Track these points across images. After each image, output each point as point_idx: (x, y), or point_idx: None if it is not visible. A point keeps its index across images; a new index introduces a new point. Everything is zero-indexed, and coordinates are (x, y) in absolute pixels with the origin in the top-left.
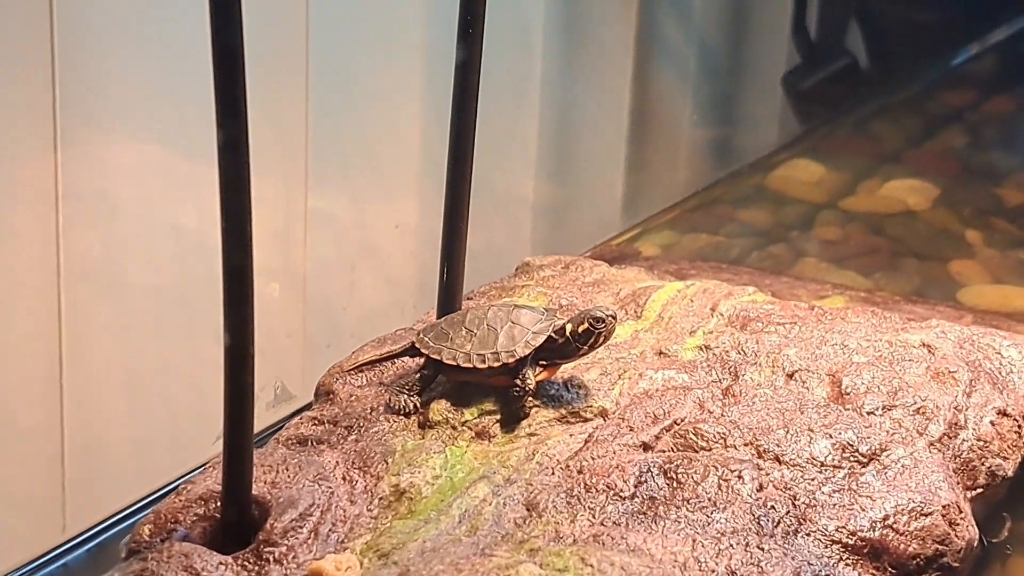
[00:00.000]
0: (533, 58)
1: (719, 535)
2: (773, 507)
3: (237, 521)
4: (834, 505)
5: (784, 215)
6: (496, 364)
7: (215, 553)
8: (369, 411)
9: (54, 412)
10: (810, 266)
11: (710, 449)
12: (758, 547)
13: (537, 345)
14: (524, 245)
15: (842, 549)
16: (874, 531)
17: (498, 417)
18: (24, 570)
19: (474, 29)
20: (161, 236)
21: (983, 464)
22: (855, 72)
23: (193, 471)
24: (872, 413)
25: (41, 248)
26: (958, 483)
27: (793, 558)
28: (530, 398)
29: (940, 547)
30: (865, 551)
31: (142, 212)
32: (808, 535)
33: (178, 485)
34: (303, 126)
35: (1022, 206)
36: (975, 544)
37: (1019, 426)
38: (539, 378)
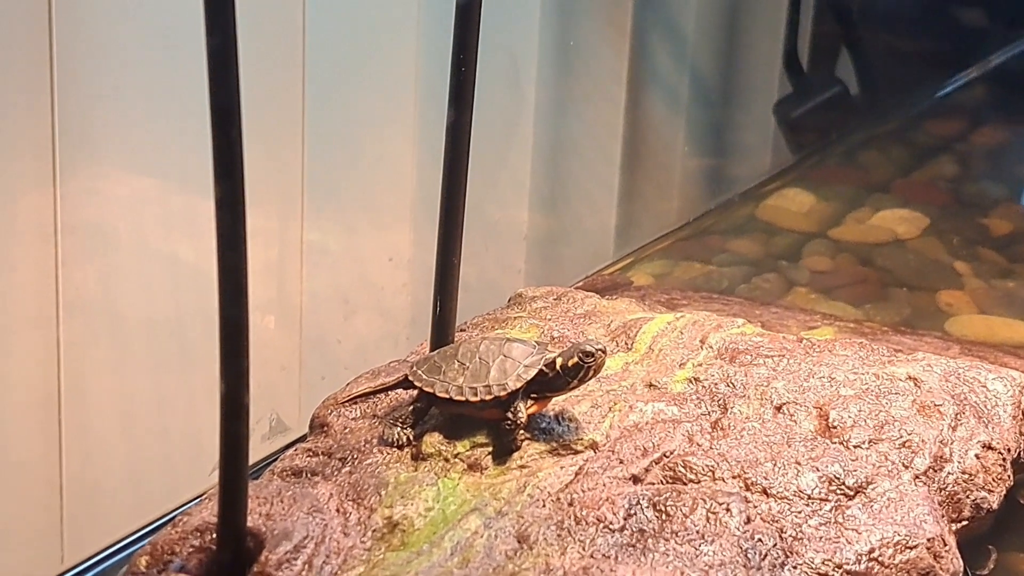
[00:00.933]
0: (526, 88)
1: (707, 567)
2: (760, 540)
3: (232, 554)
4: (820, 538)
5: (774, 245)
6: (488, 397)
7: None
8: (363, 443)
9: (52, 444)
10: (800, 296)
11: (699, 482)
12: None
13: (528, 379)
14: (517, 275)
15: None
16: (860, 564)
17: (490, 449)
18: None
19: (467, 62)
20: (158, 268)
21: (968, 497)
22: (846, 101)
23: (189, 502)
24: (859, 446)
25: (40, 281)
26: (943, 516)
27: None
28: (521, 431)
29: None
30: None
31: (140, 245)
32: (795, 568)
33: (174, 516)
34: (299, 159)
35: (1009, 236)
36: None
37: (1004, 459)
38: (530, 411)
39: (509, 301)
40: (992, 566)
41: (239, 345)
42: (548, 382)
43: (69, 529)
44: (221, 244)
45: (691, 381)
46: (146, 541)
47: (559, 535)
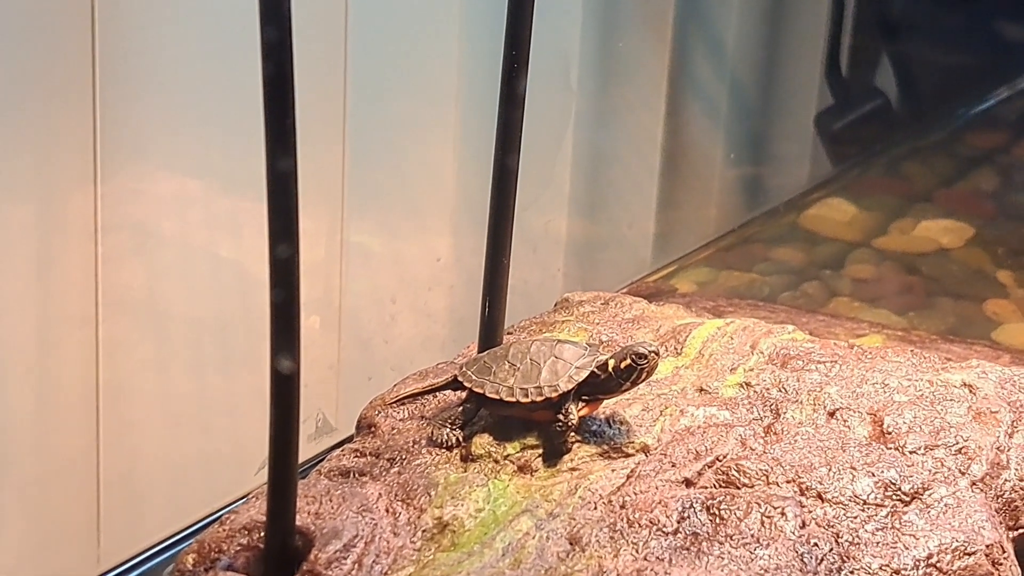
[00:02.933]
0: (567, 98)
1: (763, 571)
2: (816, 544)
3: (280, 551)
4: (877, 543)
5: (817, 254)
6: (539, 399)
7: None
8: (411, 444)
9: (91, 443)
10: (843, 304)
11: (752, 486)
12: None
13: (580, 380)
14: (556, 283)
15: None
16: (918, 570)
17: (540, 452)
18: None
19: (519, 58)
20: (199, 268)
21: None
22: (887, 114)
23: (229, 505)
24: (914, 452)
25: (81, 279)
26: (1001, 523)
27: None
28: (572, 433)
29: None
30: None
31: (181, 244)
32: (852, 572)
33: (215, 518)
34: (340, 162)
35: None
36: None
37: None
38: (581, 413)
39: (555, 305)
40: None
41: (290, 340)
42: (600, 384)
43: (106, 531)
44: (273, 241)
45: (742, 386)
46: (192, 540)
47: (612, 537)
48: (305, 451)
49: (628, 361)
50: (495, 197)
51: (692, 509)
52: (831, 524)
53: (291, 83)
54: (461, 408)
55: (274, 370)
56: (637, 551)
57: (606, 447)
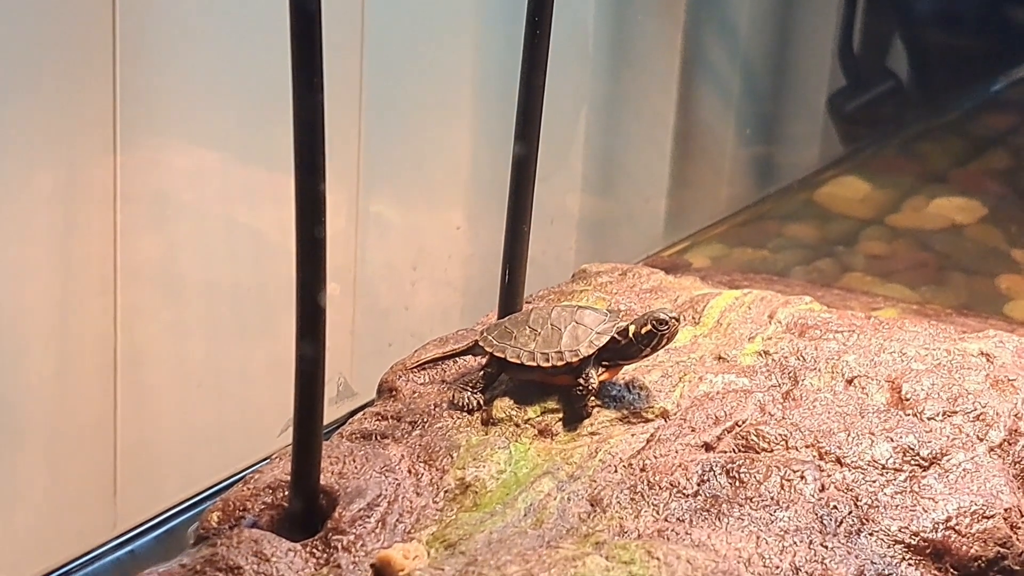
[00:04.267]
0: (581, 79)
1: (783, 533)
2: (836, 507)
3: (305, 509)
4: (896, 506)
5: (830, 230)
6: (560, 363)
7: (284, 540)
8: (432, 407)
9: (108, 410)
10: (857, 279)
11: (771, 450)
12: (822, 545)
13: (601, 345)
14: (570, 259)
15: (905, 549)
16: (936, 532)
17: (561, 416)
18: (75, 564)
19: (541, 24)
20: (216, 237)
21: None
22: (899, 95)
23: (244, 469)
24: (932, 419)
25: (100, 248)
26: (1019, 488)
27: (857, 556)
28: (592, 398)
29: (1002, 550)
30: (928, 552)
31: (199, 214)
32: (871, 535)
33: (231, 481)
34: (356, 133)
35: None
36: None
37: None
38: (601, 378)
39: (573, 276)
40: None
41: (316, 303)
42: (620, 350)
43: (122, 495)
44: (301, 209)
45: (761, 354)
46: (217, 498)
47: (632, 499)
48: (327, 415)
49: (648, 327)
50: (516, 163)
51: (712, 472)
52: (850, 488)
53: (319, 20)
54: (482, 372)
55: (301, 312)
56: (658, 512)
57: (626, 412)
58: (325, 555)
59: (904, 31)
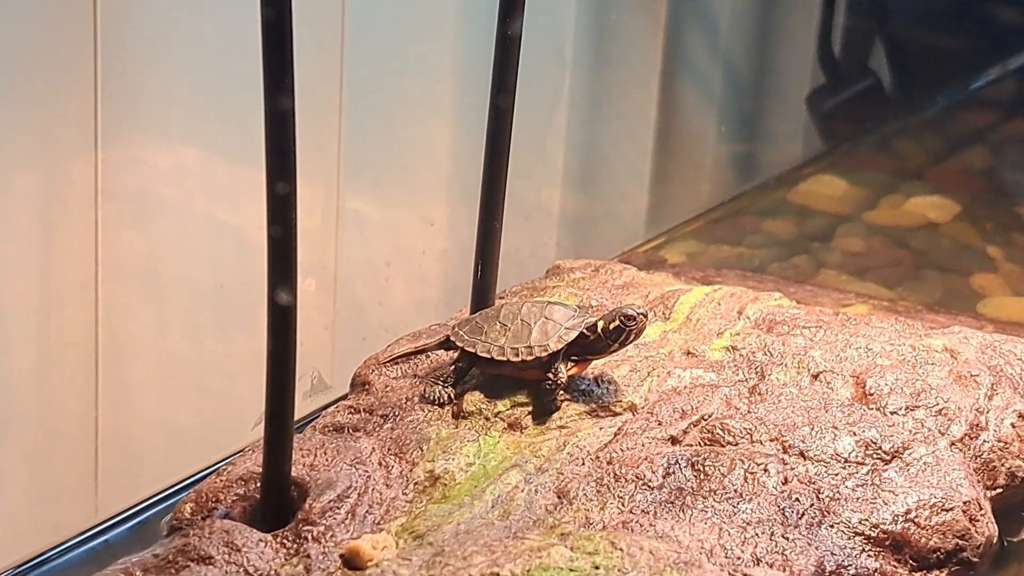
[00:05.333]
0: (561, 75)
1: (745, 524)
2: (798, 499)
3: (276, 501)
4: (857, 499)
5: (807, 227)
6: (529, 358)
7: (255, 531)
8: (404, 401)
9: (89, 402)
10: (832, 276)
11: (736, 444)
12: (783, 536)
13: (569, 340)
14: (549, 255)
15: (865, 541)
16: (896, 524)
17: (530, 409)
18: (58, 549)
19: (512, 23)
20: (197, 234)
21: (1003, 465)
22: (879, 93)
23: (224, 460)
24: (895, 413)
25: (81, 244)
26: (979, 482)
27: (817, 548)
28: (561, 392)
29: (960, 542)
30: (887, 543)
31: (179, 211)
32: (832, 527)
33: (210, 472)
34: (336, 133)
35: None
36: (994, 540)
37: None
38: (570, 373)
39: (547, 272)
40: None
41: (288, 274)
42: (589, 345)
43: (104, 484)
44: (271, 209)
45: (729, 349)
46: (190, 490)
47: (598, 491)
48: (300, 408)
49: (617, 323)
50: (488, 159)
51: (677, 465)
52: (812, 480)
53: (289, 22)
54: (453, 367)
55: (271, 308)
56: (623, 504)
57: (594, 405)
58: (295, 546)
59: (883, 30)
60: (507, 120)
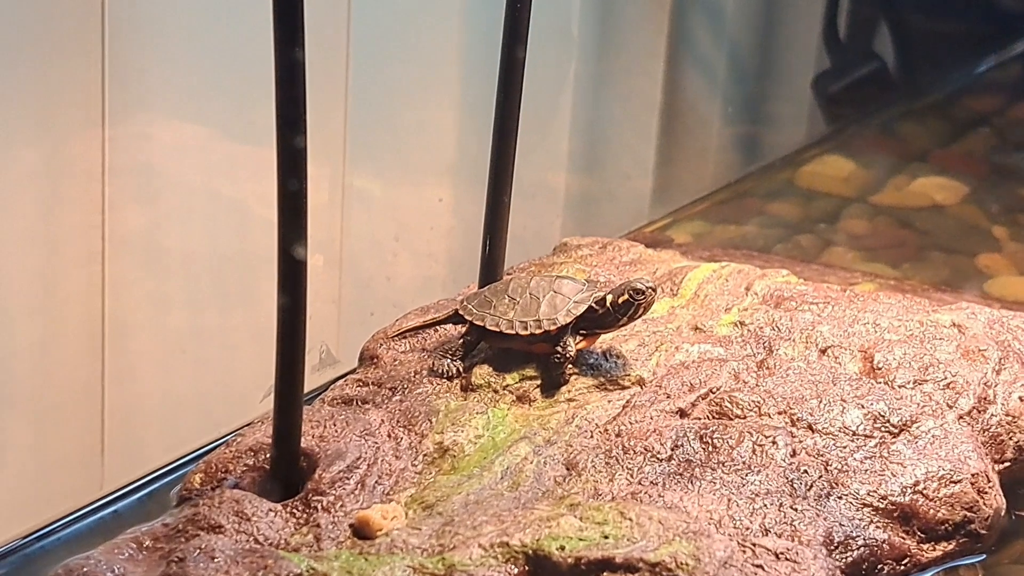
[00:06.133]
0: (567, 58)
1: (753, 496)
2: (806, 471)
3: (286, 471)
4: (866, 471)
5: (813, 208)
6: (538, 331)
7: (265, 500)
8: (413, 374)
9: (95, 376)
10: (837, 256)
11: (745, 417)
12: (791, 507)
13: (578, 314)
14: (554, 236)
15: (873, 512)
16: (904, 496)
17: (538, 382)
18: (64, 521)
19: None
20: (201, 209)
21: (1011, 439)
22: (884, 77)
23: (229, 434)
24: (903, 387)
25: (87, 219)
26: (986, 455)
27: (825, 519)
28: (570, 365)
29: (968, 514)
30: (895, 515)
31: (185, 187)
32: (840, 498)
33: (215, 444)
34: (342, 110)
35: None
36: (1002, 513)
37: None
38: (579, 347)
39: (554, 249)
40: None
41: (297, 272)
42: (597, 319)
43: (109, 456)
44: (282, 182)
45: (737, 325)
46: (200, 460)
47: (607, 463)
48: (309, 382)
49: (626, 296)
50: (496, 136)
51: (686, 438)
52: (821, 453)
53: None
54: (462, 340)
55: (281, 294)
56: (632, 476)
57: (603, 379)
58: (305, 515)
59: (889, 13)
60: (515, 98)
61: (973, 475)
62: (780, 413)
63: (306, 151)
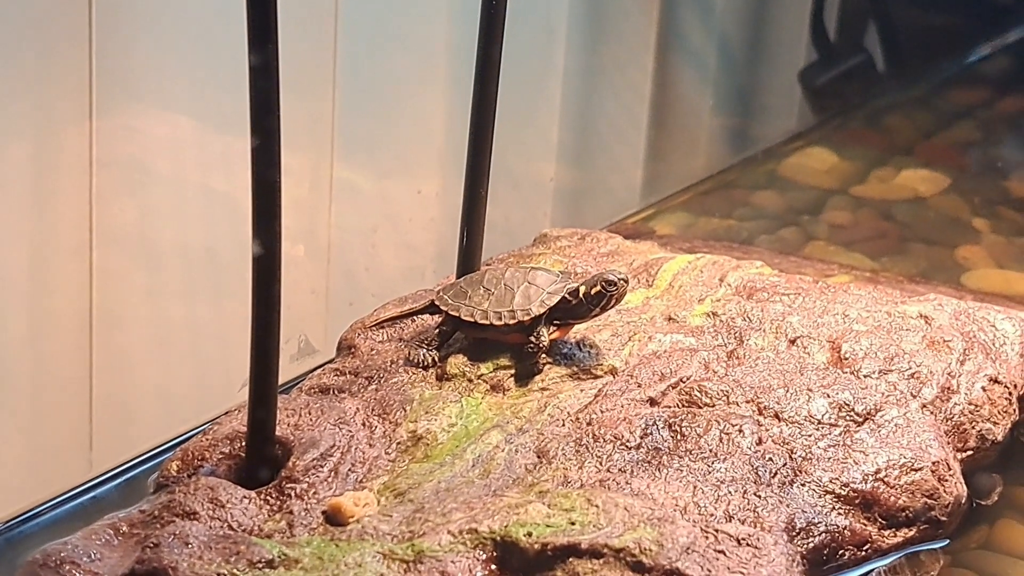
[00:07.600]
0: (556, 49)
1: (719, 483)
2: (771, 459)
3: (261, 459)
4: (829, 459)
5: (795, 200)
6: (512, 321)
7: (239, 487)
8: (389, 364)
9: (84, 364)
10: (819, 248)
11: (713, 405)
12: (755, 494)
13: (552, 305)
14: (543, 227)
15: (835, 499)
16: (866, 483)
17: (512, 372)
18: (52, 502)
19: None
20: (189, 201)
21: (974, 428)
22: (871, 70)
23: (209, 422)
24: (868, 376)
25: (76, 211)
26: (949, 444)
27: (788, 505)
28: (543, 355)
29: (929, 501)
30: (857, 502)
31: (172, 180)
32: (803, 485)
33: (199, 431)
34: (330, 106)
35: None
36: (963, 501)
37: (1010, 394)
38: (552, 337)
39: (534, 240)
40: (996, 497)
41: (271, 263)
42: (571, 309)
43: (97, 441)
44: (256, 173)
45: (709, 315)
46: (177, 448)
47: (577, 451)
48: (288, 372)
49: (598, 288)
50: (473, 128)
51: (655, 426)
52: (786, 441)
53: None
54: (438, 330)
55: (256, 285)
56: (601, 463)
57: (576, 369)
58: (279, 502)
59: (876, 7)
60: (492, 91)
61: (934, 463)
62: (748, 402)
63: (279, 143)
